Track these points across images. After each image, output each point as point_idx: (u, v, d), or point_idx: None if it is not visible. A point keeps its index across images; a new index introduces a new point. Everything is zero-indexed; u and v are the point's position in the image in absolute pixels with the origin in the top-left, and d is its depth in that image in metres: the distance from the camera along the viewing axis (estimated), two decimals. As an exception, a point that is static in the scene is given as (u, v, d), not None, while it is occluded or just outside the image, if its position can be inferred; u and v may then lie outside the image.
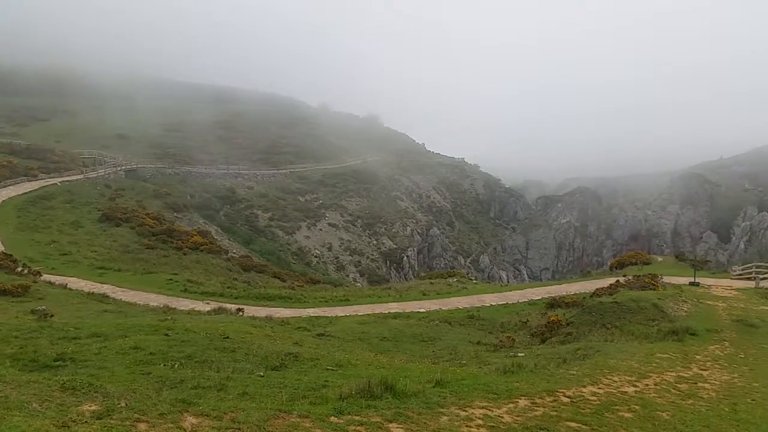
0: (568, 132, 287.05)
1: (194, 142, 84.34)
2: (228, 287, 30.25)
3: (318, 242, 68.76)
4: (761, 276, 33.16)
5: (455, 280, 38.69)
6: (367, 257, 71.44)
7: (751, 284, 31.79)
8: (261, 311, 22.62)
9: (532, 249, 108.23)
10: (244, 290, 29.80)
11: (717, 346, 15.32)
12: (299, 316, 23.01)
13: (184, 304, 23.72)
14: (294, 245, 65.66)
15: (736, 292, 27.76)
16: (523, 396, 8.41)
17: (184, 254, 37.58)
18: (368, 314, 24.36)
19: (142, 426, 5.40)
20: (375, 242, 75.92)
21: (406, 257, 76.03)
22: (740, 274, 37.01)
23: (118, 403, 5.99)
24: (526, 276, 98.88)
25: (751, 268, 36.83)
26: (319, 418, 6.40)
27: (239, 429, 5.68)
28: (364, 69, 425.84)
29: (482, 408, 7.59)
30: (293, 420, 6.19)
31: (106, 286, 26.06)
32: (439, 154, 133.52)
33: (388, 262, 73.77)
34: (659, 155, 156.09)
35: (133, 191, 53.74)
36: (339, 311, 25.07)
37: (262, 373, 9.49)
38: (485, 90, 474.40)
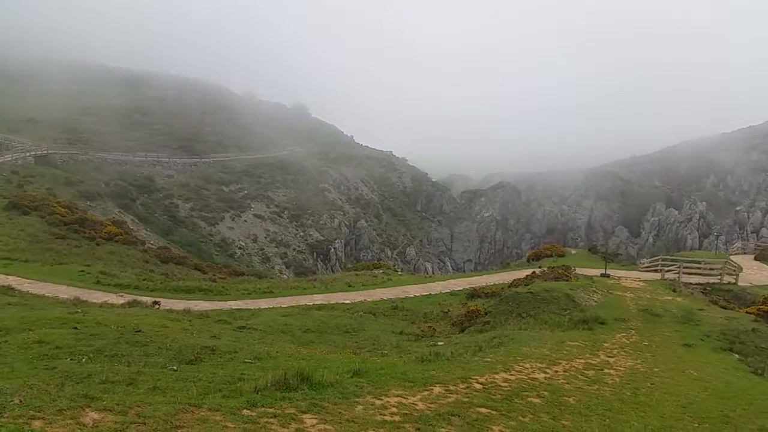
0: (493, 131, 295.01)
1: (110, 128, 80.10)
2: (144, 279, 29.06)
3: (242, 234, 67.34)
4: (666, 268, 35.39)
5: (381, 271, 38.93)
6: (294, 249, 70.74)
7: (658, 276, 33.85)
8: (179, 304, 21.86)
9: (456, 241, 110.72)
10: (161, 282, 28.71)
11: (624, 334, 16.20)
12: (220, 309, 22.43)
13: (97, 296, 22.59)
14: (217, 236, 63.99)
15: (643, 284, 29.44)
16: (439, 384, 8.58)
17: (98, 245, 35.77)
18: (292, 306, 24.11)
19: (37, 423, 5.08)
20: (302, 234, 75.26)
21: (333, 249, 75.87)
22: (648, 267, 39.39)
23: (11, 400, 5.61)
24: (450, 267, 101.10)
25: (657, 261, 39.22)
26: (230, 411, 6.26)
27: (144, 423, 5.46)
28: (294, 58, 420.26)
29: (397, 396, 7.68)
30: (203, 414, 6.02)
31: (11, 277, 24.45)
32: (367, 146, 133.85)
33: (315, 254, 73.35)
34: (576, 153, 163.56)
35: (44, 178, 50.55)
36: (262, 303, 24.65)
37: (175, 367, 9.19)
38: (416, 87, 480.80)
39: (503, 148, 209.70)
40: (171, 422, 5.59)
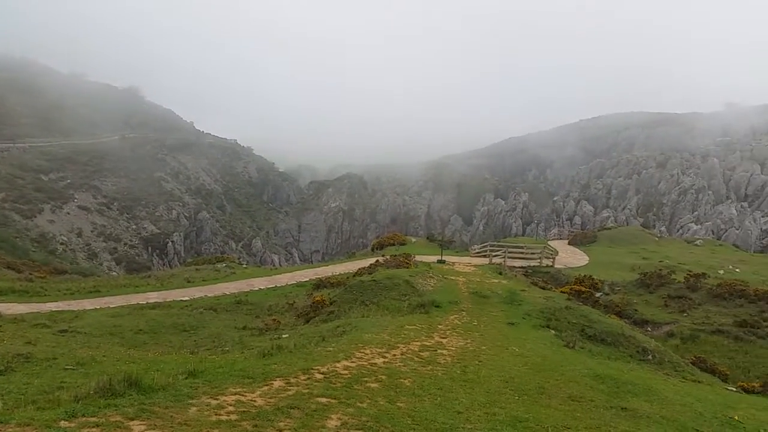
0: (341, 123, 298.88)
1: None
2: (-60, 282, 25.14)
3: (65, 227, 60.96)
4: (494, 254, 38.50)
5: (224, 265, 37.63)
6: (125, 243, 65.67)
7: (486, 261, 36.72)
8: (-15, 308, 19.24)
9: (304, 232, 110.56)
10: (-37, 285, 25.03)
11: (456, 315, 17.26)
12: (38, 312, 20.12)
13: None
14: (34, 231, 57.24)
15: (474, 268, 31.68)
16: (279, 377, 8.46)
17: None
18: (123, 306, 22.33)
19: None
20: (135, 227, 70.11)
21: (171, 243, 71.69)
22: (478, 252, 42.53)
23: None
24: (297, 259, 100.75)
25: (486, 247, 42.51)
26: (44, 424, 5.59)
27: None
28: (128, 36, 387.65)
29: (235, 394, 7.44)
30: (10, 431, 5.32)
31: None
32: (209, 134, 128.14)
33: (150, 248, 68.78)
34: (417, 147, 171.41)
35: None
36: (87, 304, 22.50)
37: (-24, 381, 8.04)
38: (266, 75, 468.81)
39: (351, 139, 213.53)
40: (-36, 446, 4.87)
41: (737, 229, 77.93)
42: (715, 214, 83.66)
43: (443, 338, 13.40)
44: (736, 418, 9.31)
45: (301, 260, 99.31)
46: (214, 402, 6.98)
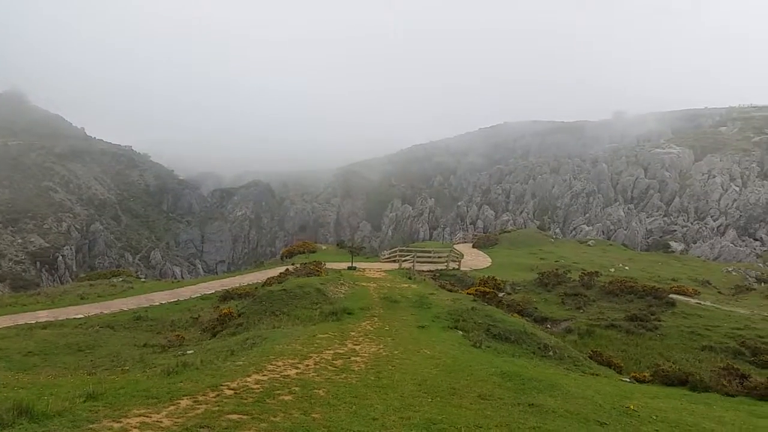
0: (245, 129, 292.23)
1: None
2: None
3: (-64, 243, 55.26)
4: (403, 258, 39.08)
5: (121, 279, 35.70)
6: (10, 259, 60.50)
7: (396, 266, 37.19)
8: None
9: (207, 242, 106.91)
10: None
11: (368, 322, 17.28)
12: None
13: None
14: None
15: (384, 273, 31.93)
16: (186, 396, 8.07)
17: None
18: (8, 327, 20.54)
19: None
20: (20, 241, 64.75)
21: (61, 257, 66.86)
22: (388, 258, 43.02)
23: None
24: (201, 270, 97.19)
25: (395, 252, 43.10)
26: None
27: None
28: (8, 35, 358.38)
29: (139, 416, 7.01)
30: None
31: None
32: (102, 140, 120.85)
33: (38, 263, 63.79)
34: (325, 154, 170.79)
35: None
36: (-36, 327, 20.48)
37: None
38: (161, 76, 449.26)
39: (257, 145, 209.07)
40: None
41: (625, 230, 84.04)
42: (605, 216, 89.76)
43: (356, 345, 13.38)
44: (632, 407, 9.96)
45: (205, 272, 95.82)
46: (116, 425, 6.55)
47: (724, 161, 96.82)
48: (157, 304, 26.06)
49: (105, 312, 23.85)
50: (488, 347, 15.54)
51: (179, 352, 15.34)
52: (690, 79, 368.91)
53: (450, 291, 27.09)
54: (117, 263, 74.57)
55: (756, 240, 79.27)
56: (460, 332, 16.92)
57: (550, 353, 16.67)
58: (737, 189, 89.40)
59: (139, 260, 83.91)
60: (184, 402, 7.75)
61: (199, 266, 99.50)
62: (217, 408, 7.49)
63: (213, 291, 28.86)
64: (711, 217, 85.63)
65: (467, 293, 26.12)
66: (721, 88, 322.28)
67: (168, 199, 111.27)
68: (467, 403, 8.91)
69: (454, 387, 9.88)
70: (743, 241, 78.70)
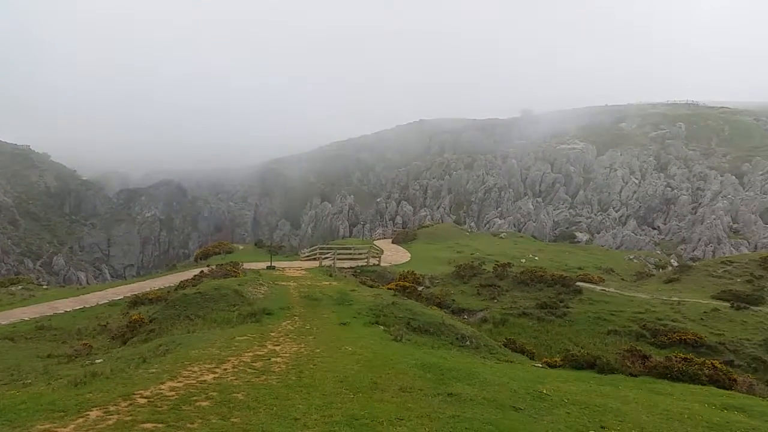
0: (153, 125, 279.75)
1: None
2: None
3: None
4: (323, 256, 38.93)
5: (20, 287, 33.33)
6: None
7: (317, 264, 36.99)
8: None
9: (114, 246, 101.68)
10: None
11: (289, 321, 17.08)
12: None
13: None
14: None
15: (304, 272, 31.71)
16: (96, 407, 7.65)
17: None
18: None
19: None
20: None
21: (-51, 266, 61.39)
22: (308, 256, 42.69)
23: None
24: (108, 275, 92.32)
25: (315, 250, 42.84)
26: None
27: None
28: None
29: (44, 431, 6.59)
30: None
31: None
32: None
33: None
34: (241, 151, 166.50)
35: None
36: None
37: None
38: (58, 66, 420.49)
39: (165, 143, 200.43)
40: None
41: (534, 222, 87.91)
42: (516, 209, 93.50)
43: (276, 345, 13.19)
44: (545, 391, 10.44)
45: (113, 277, 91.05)
46: (16, 445, 6.11)
47: (624, 156, 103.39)
48: (62, 312, 24.53)
49: (3, 323, 22.14)
50: (409, 340, 15.80)
51: (87, 362, 14.50)
52: (594, 77, 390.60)
53: (371, 287, 27.31)
54: (16, 270, 69.46)
55: (654, 229, 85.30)
56: (382, 327, 17.10)
57: (468, 343, 17.19)
58: (636, 182, 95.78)
59: (40, 266, 78.58)
60: (94, 413, 7.36)
61: (107, 271, 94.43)
62: (129, 418, 7.16)
63: (122, 296, 27.60)
64: (613, 208, 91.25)
65: (388, 288, 26.44)
66: (622, 85, 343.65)
67: (70, 201, 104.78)
68: (389, 397, 9.01)
69: (375, 381, 9.96)
70: (643, 230, 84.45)
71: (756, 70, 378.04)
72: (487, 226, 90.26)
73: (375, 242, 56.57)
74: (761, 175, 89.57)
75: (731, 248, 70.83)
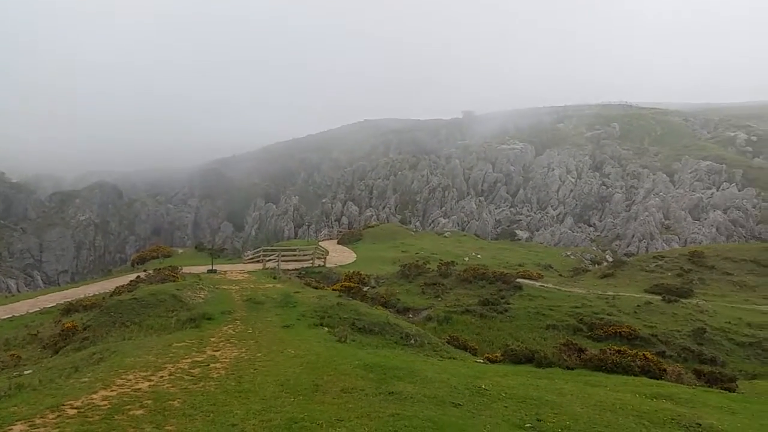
0: (86, 124, 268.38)
1: None
2: None
3: None
4: (267, 258, 38.39)
5: (-60, 297, 31.27)
6: None
7: (260, 266, 36.42)
8: None
9: (47, 251, 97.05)
10: None
11: (230, 326, 16.75)
12: None
13: None
14: None
15: (247, 275, 31.15)
16: (21, 420, 7.31)
17: None
18: None
19: None
20: None
21: None
22: (251, 258, 41.99)
23: None
24: (41, 282, 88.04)
25: (259, 252, 42.21)
26: None
27: None
28: None
29: (-40, 451, 6.24)
30: None
31: None
32: None
33: None
34: (180, 152, 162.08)
35: None
36: None
37: None
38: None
39: (99, 143, 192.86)
40: None
41: (477, 221, 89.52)
42: (459, 209, 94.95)
43: (216, 351, 12.93)
44: (484, 386, 10.67)
45: (45, 283, 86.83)
46: (-72, 467, 5.75)
47: (561, 155, 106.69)
48: (-13, 322, 23.23)
49: None
50: (353, 341, 15.80)
51: (15, 374, 13.78)
52: (536, 80, 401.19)
53: (316, 288, 27.13)
54: (-66, 280, 65.12)
55: (590, 226, 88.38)
56: (326, 329, 17.01)
57: (412, 341, 17.34)
58: (573, 180, 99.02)
59: (-37, 275, 74.03)
60: (18, 428, 7.03)
61: (39, 278, 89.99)
62: (57, 430, 6.87)
63: (54, 304, 26.42)
64: (551, 206, 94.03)
65: (333, 289, 26.32)
66: (563, 88, 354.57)
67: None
68: (330, 399, 9.00)
69: (317, 384, 9.92)
70: (579, 227, 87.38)
71: (686, 73, 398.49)
72: (432, 225, 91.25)
73: (320, 243, 56.28)
74: (690, 173, 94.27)
75: (663, 243, 74.21)
